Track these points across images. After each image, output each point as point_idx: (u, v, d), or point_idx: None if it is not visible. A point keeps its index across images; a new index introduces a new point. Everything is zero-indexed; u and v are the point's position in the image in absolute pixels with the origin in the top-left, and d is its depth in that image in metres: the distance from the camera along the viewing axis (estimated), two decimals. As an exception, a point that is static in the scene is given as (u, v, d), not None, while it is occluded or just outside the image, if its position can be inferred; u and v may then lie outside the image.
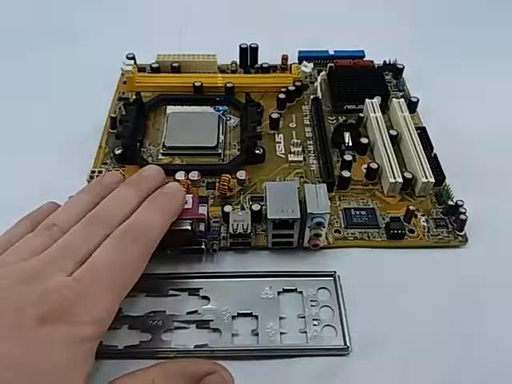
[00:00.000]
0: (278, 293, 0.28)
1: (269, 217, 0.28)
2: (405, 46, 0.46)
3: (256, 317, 0.27)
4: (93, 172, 0.33)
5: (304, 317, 0.27)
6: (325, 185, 0.28)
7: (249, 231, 0.29)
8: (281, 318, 0.27)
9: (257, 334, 0.26)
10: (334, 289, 0.28)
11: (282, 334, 0.26)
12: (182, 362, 0.24)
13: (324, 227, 0.28)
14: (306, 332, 0.26)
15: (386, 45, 0.46)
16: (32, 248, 0.23)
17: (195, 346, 0.26)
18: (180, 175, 0.33)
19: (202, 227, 0.29)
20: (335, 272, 0.29)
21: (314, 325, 0.27)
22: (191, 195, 0.29)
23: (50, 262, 0.22)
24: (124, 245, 0.23)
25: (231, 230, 0.29)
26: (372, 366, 0.25)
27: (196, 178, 0.33)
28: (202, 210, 0.29)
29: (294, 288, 0.28)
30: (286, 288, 0.28)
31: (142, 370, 0.22)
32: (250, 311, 0.27)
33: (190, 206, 0.28)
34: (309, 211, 0.27)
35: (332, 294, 0.28)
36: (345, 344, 0.26)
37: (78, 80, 0.42)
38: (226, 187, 0.32)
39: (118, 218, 0.24)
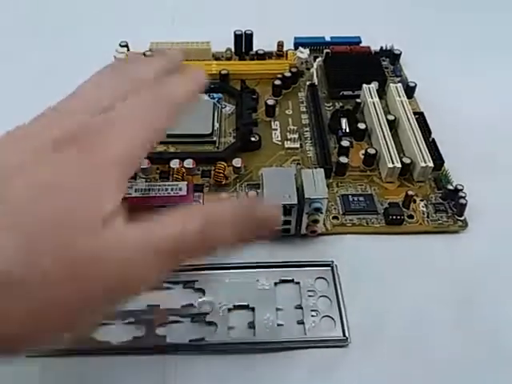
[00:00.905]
0: (275, 284, 0.27)
1: (265, 203, 0.27)
2: (402, 32, 0.45)
3: (252, 309, 0.26)
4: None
5: (301, 308, 0.27)
6: (322, 170, 0.28)
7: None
8: (278, 310, 0.26)
9: (253, 327, 0.26)
10: (331, 279, 0.28)
11: (279, 325, 0.26)
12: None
13: (322, 213, 0.28)
14: (303, 323, 0.26)
15: (382, 31, 0.45)
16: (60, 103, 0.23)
17: (190, 340, 0.25)
18: (175, 163, 0.32)
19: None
20: (333, 261, 0.28)
21: (312, 316, 0.26)
22: (186, 183, 0.29)
23: (72, 104, 0.22)
24: (154, 95, 0.22)
25: (227, 218, 0.28)
26: (372, 357, 0.25)
27: (191, 166, 0.32)
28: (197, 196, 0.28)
29: (290, 278, 0.28)
30: (282, 279, 0.28)
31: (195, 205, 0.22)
32: (246, 303, 0.27)
33: (185, 194, 0.28)
34: (306, 196, 0.27)
35: (330, 284, 0.28)
36: (344, 335, 0.25)
37: (70, 68, 0.41)
38: (221, 175, 0.32)
39: (147, 80, 0.23)
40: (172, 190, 0.29)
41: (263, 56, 0.42)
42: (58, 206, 0.17)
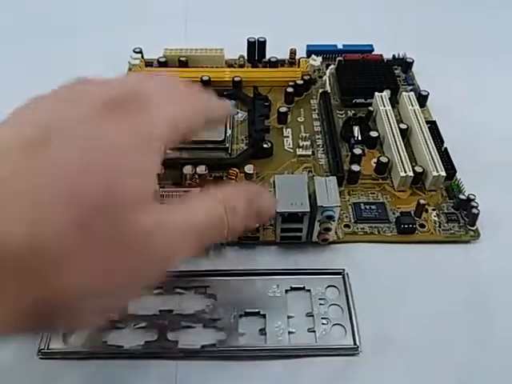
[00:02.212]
0: (286, 291, 0.27)
1: (278, 210, 0.27)
2: (414, 40, 0.45)
3: (264, 316, 0.26)
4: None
5: (312, 315, 0.27)
6: (335, 178, 0.28)
7: (257, 225, 0.29)
8: (289, 317, 0.26)
9: (264, 334, 0.26)
10: (342, 287, 0.28)
11: (290, 333, 0.26)
12: (242, 186, 0.26)
13: (334, 221, 0.28)
14: (314, 331, 0.26)
15: (395, 39, 0.45)
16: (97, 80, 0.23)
17: (202, 346, 0.25)
18: (188, 169, 0.32)
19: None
20: (344, 270, 0.28)
21: (323, 324, 0.26)
22: (199, 189, 0.29)
23: (113, 81, 0.23)
24: (186, 92, 0.24)
25: (239, 225, 0.29)
26: (383, 365, 0.25)
27: (203, 172, 0.32)
28: None
29: (302, 286, 0.28)
30: (293, 286, 0.28)
31: (211, 189, 0.22)
32: (257, 310, 0.27)
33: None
34: (319, 204, 0.27)
35: (341, 292, 0.28)
36: (354, 343, 0.25)
37: (84, 74, 0.41)
38: (233, 181, 0.32)
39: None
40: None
41: (276, 63, 0.42)
42: (110, 179, 0.17)
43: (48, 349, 0.25)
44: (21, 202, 0.16)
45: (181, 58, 0.41)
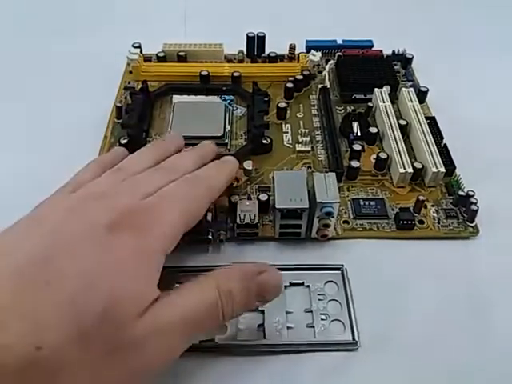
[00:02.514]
0: (285, 287, 0.27)
1: (277, 206, 0.27)
2: (414, 36, 0.45)
3: (262, 311, 0.26)
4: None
5: (311, 311, 0.27)
6: (334, 174, 0.28)
7: (256, 221, 0.29)
8: (287, 313, 0.26)
9: (263, 329, 0.26)
10: (341, 282, 0.28)
11: (288, 328, 0.26)
12: (239, 265, 0.25)
13: (333, 217, 0.28)
14: (313, 327, 0.26)
15: (394, 35, 0.45)
16: (104, 184, 0.24)
17: (201, 341, 0.25)
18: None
19: (209, 217, 0.28)
20: (343, 265, 0.28)
21: (322, 319, 0.26)
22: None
23: (120, 189, 0.24)
24: (191, 182, 0.25)
25: (238, 221, 0.29)
26: (381, 361, 0.25)
27: (203, 168, 0.32)
28: None
29: (301, 282, 0.28)
30: (292, 282, 0.28)
31: (204, 275, 0.22)
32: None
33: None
34: (318, 200, 0.27)
35: (340, 288, 0.28)
36: (353, 339, 0.25)
37: (83, 69, 0.42)
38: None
39: (184, 170, 0.26)
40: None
41: (275, 59, 0.42)
42: (107, 296, 0.18)
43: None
44: (24, 318, 0.17)
45: (180, 53, 0.41)
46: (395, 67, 0.42)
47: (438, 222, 0.31)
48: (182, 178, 0.25)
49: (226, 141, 0.35)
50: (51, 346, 0.17)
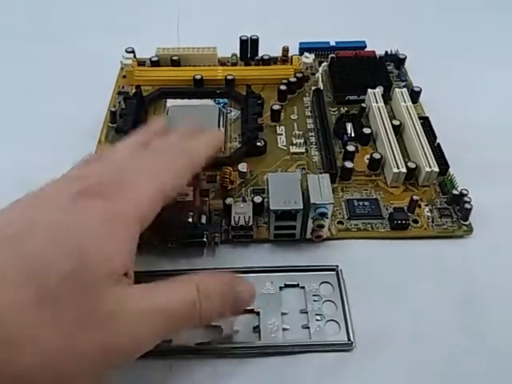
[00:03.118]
0: (280, 288, 0.28)
1: (271, 208, 0.27)
2: (407, 36, 0.45)
3: (257, 313, 0.26)
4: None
5: (306, 312, 0.27)
6: (328, 175, 0.28)
7: (251, 223, 0.29)
8: (283, 314, 0.27)
9: (258, 331, 0.26)
10: (336, 283, 0.28)
11: (284, 329, 0.26)
12: (218, 272, 0.25)
13: (327, 218, 0.28)
14: (308, 328, 0.26)
15: (387, 35, 0.45)
16: (87, 170, 0.24)
17: (196, 344, 0.25)
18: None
19: (203, 220, 0.28)
20: (337, 266, 0.28)
21: (317, 320, 0.26)
22: (192, 188, 0.29)
23: (99, 168, 0.23)
24: (171, 154, 0.25)
25: (233, 223, 0.29)
26: (377, 361, 0.25)
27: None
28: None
29: (295, 283, 0.28)
30: (287, 283, 0.28)
31: (186, 275, 0.22)
32: (251, 307, 0.26)
33: (191, 199, 0.28)
34: (312, 201, 0.27)
35: (335, 289, 0.28)
36: (348, 339, 0.26)
37: (77, 74, 0.42)
38: (227, 180, 0.32)
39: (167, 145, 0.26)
40: (179, 195, 0.29)
41: (268, 61, 0.42)
42: (75, 256, 0.18)
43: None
44: None
45: (173, 58, 0.41)
46: (388, 68, 0.42)
47: (432, 222, 0.31)
48: (160, 151, 0.25)
49: (221, 144, 0.35)
50: (7, 302, 0.16)
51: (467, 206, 0.30)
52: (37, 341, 0.16)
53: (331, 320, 0.26)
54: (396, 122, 0.35)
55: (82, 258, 0.18)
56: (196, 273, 0.23)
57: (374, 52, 0.43)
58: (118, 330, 0.18)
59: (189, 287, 0.21)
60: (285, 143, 0.36)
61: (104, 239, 0.19)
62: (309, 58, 0.41)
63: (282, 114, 0.38)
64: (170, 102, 0.39)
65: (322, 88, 0.39)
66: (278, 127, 0.37)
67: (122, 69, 0.42)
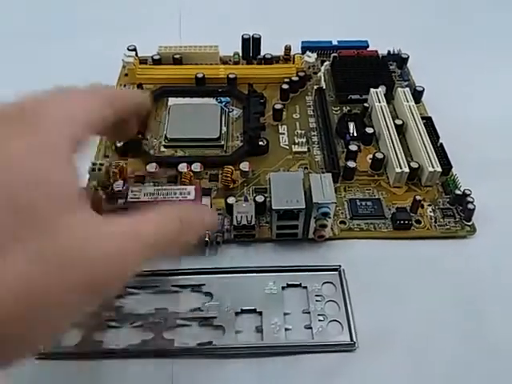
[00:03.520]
0: (282, 288, 0.27)
1: (273, 207, 0.27)
2: (409, 36, 0.45)
3: (260, 313, 0.26)
4: (94, 164, 0.32)
5: (309, 312, 0.27)
6: (330, 174, 0.28)
7: (253, 223, 0.29)
8: (285, 314, 0.26)
9: (261, 331, 0.26)
10: (339, 283, 0.28)
11: (286, 330, 0.26)
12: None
13: (330, 217, 0.28)
14: (311, 328, 0.26)
15: (390, 34, 0.45)
16: None
17: (198, 344, 0.25)
18: (182, 167, 0.32)
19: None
20: (340, 266, 0.28)
21: (320, 320, 0.26)
22: (194, 187, 0.29)
23: None
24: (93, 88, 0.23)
25: (235, 222, 0.29)
26: (379, 361, 0.25)
27: (199, 170, 0.32)
28: (205, 201, 0.28)
29: (298, 283, 0.28)
30: (290, 283, 0.28)
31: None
32: (253, 307, 0.27)
33: (193, 198, 0.28)
34: (314, 201, 0.27)
35: (337, 289, 0.28)
36: (351, 339, 0.25)
37: (79, 73, 0.41)
38: (229, 179, 0.32)
39: None
40: (180, 193, 0.29)
41: (271, 60, 0.42)
42: (15, 195, 0.16)
43: (44, 349, 0.25)
44: None
45: (175, 56, 0.41)
46: (391, 67, 0.42)
47: (435, 222, 0.31)
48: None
49: (222, 143, 0.35)
50: None
51: (470, 206, 0.30)
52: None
53: (334, 320, 0.26)
54: (399, 122, 0.35)
55: (22, 196, 0.16)
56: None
57: (376, 51, 0.42)
58: (86, 263, 0.16)
59: (171, 216, 0.21)
60: (287, 142, 0.36)
61: (38, 169, 0.17)
62: (311, 57, 0.41)
63: (284, 113, 0.38)
64: (171, 101, 0.39)
65: (324, 87, 0.39)
66: (280, 126, 0.37)
67: (123, 67, 0.42)
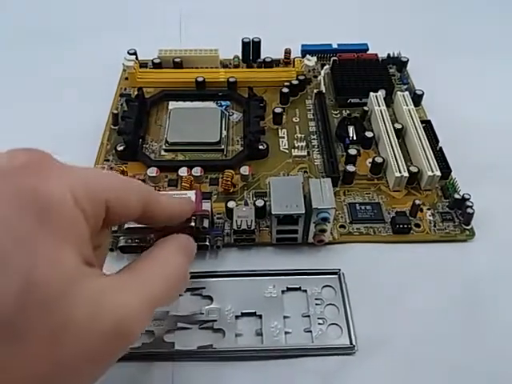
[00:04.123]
0: (282, 291, 0.28)
1: (273, 212, 0.27)
2: (409, 39, 0.45)
3: (260, 316, 0.27)
4: (95, 168, 0.32)
5: (309, 316, 0.27)
6: (329, 179, 0.28)
7: (253, 227, 0.29)
8: (285, 317, 0.27)
9: (261, 334, 0.26)
10: (338, 287, 0.28)
11: (286, 333, 0.26)
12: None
13: (329, 222, 0.28)
14: (310, 331, 0.26)
15: (389, 38, 0.45)
16: None
17: (199, 347, 0.25)
18: (183, 171, 0.33)
19: (205, 223, 0.28)
20: (339, 270, 0.28)
21: (319, 324, 0.26)
22: (194, 191, 0.29)
23: None
24: None
25: (235, 226, 0.29)
26: (379, 365, 0.25)
27: (199, 174, 0.33)
28: (206, 206, 0.28)
29: (298, 286, 0.28)
30: (289, 286, 0.28)
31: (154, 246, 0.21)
32: (253, 310, 0.27)
33: (194, 202, 0.28)
34: (314, 206, 0.27)
35: (337, 292, 0.28)
36: (350, 343, 0.26)
37: (79, 77, 0.42)
38: (229, 183, 0.32)
39: None
40: (181, 198, 0.29)
41: (271, 64, 0.42)
42: (22, 275, 0.14)
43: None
44: None
45: (175, 59, 0.41)
46: (390, 70, 0.42)
47: (434, 226, 0.31)
48: None
49: (223, 146, 0.35)
50: None
51: (469, 210, 0.30)
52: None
53: (333, 324, 0.26)
54: (398, 126, 0.35)
55: (25, 272, 0.14)
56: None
57: (376, 55, 0.43)
58: (100, 330, 0.16)
59: (176, 254, 0.21)
60: (287, 146, 0.36)
61: (35, 237, 0.15)
62: (311, 60, 0.41)
63: (284, 116, 0.38)
64: (172, 104, 0.39)
65: (324, 91, 0.39)
66: (280, 130, 0.37)
67: (124, 71, 0.42)
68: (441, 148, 0.34)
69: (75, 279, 0.16)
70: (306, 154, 0.35)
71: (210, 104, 0.39)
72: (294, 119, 0.38)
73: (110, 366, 0.17)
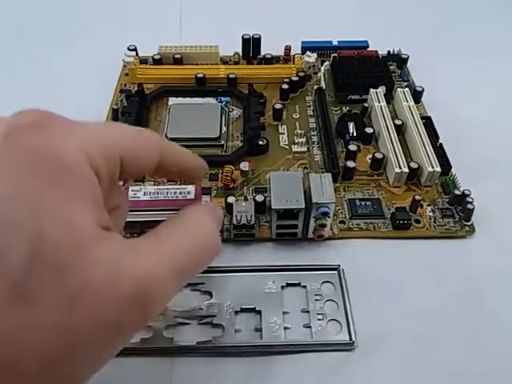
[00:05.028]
0: (282, 287, 0.28)
1: (273, 207, 0.27)
2: (409, 36, 0.45)
3: (259, 312, 0.26)
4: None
5: (308, 311, 0.27)
6: (329, 174, 0.28)
7: (252, 222, 0.29)
8: (284, 313, 0.27)
9: (260, 330, 0.26)
10: (338, 282, 0.28)
11: (285, 329, 0.26)
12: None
13: (329, 217, 0.28)
14: (310, 327, 0.26)
15: (390, 35, 0.45)
16: None
17: (198, 343, 0.25)
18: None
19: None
20: (339, 265, 0.28)
21: (319, 319, 0.26)
22: (194, 186, 0.29)
23: None
24: None
25: (235, 222, 0.29)
26: (378, 361, 0.25)
27: (199, 170, 0.32)
28: (205, 201, 0.28)
29: (297, 282, 0.28)
30: (289, 282, 0.28)
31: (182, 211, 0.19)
32: (253, 306, 0.27)
33: (193, 197, 0.28)
34: (314, 201, 0.27)
35: (336, 288, 0.28)
36: (350, 339, 0.26)
37: (79, 72, 0.42)
38: (229, 178, 0.32)
39: None
40: (180, 193, 0.29)
41: (271, 60, 0.42)
42: (30, 233, 0.14)
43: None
44: None
45: (175, 56, 0.41)
46: (390, 67, 0.42)
47: (434, 222, 0.31)
48: None
49: (222, 142, 0.35)
50: None
51: (469, 206, 0.30)
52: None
53: (333, 319, 0.26)
54: (398, 122, 0.35)
55: (36, 233, 0.14)
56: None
57: (376, 52, 0.43)
58: (113, 297, 0.14)
59: (208, 220, 0.19)
60: (287, 142, 0.36)
61: (53, 199, 0.14)
62: (311, 57, 0.41)
63: (284, 112, 0.38)
64: (172, 100, 0.39)
65: (324, 87, 0.39)
66: (280, 126, 0.37)
67: (124, 67, 0.42)
68: (441, 144, 0.34)
69: (90, 242, 0.15)
70: (306, 149, 0.35)
71: (210, 100, 0.39)
72: (294, 115, 0.38)
73: (130, 338, 0.16)
